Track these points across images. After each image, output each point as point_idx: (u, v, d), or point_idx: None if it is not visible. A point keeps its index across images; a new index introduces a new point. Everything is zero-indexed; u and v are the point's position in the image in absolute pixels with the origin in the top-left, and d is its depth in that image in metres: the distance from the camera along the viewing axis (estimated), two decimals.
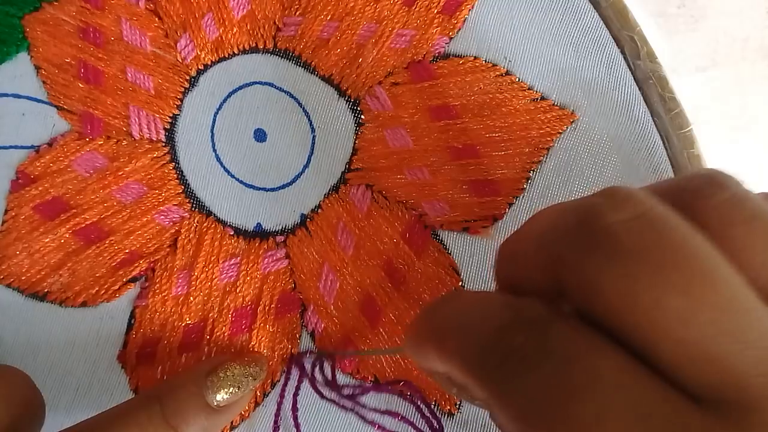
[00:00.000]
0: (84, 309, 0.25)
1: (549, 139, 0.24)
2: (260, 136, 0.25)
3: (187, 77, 0.26)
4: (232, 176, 0.25)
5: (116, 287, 0.25)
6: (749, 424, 0.11)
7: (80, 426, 0.20)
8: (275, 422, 0.24)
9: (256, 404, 0.25)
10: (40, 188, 0.25)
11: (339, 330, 0.24)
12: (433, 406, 0.24)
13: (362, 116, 0.25)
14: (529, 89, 0.24)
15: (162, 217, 0.25)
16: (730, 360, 0.12)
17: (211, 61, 0.26)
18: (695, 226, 0.13)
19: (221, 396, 0.22)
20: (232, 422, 0.24)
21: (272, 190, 0.25)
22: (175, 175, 0.25)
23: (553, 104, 0.24)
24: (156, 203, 0.25)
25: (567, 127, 0.24)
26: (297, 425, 0.24)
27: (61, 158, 0.25)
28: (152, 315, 0.25)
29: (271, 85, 0.25)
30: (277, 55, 0.25)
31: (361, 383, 0.24)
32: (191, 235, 0.25)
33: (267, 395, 0.25)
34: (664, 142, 0.24)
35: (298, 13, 0.25)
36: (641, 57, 0.24)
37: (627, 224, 0.13)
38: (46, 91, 0.25)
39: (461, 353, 0.14)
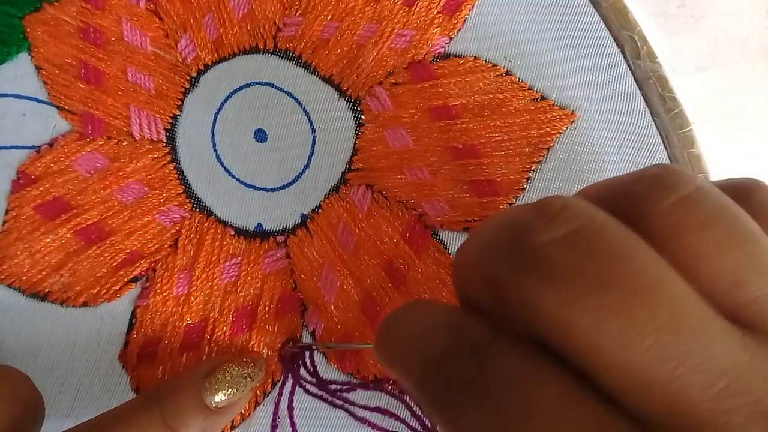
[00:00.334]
0: (85, 309, 0.25)
1: (549, 139, 0.24)
2: (261, 136, 0.25)
3: (188, 77, 0.26)
4: (233, 176, 0.25)
5: (117, 287, 0.25)
6: None
7: (80, 427, 0.20)
8: (273, 421, 0.24)
9: (257, 404, 0.25)
10: (40, 188, 0.25)
11: (339, 330, 0.25)
12: None
13: (362, 116, 0.25)
14: (529, 89, 0.24)
15: (163, 217, 0.25)
16: (675, 385, 0.11)
17: (212, 61, 0.26)
18: (641, 235, 0.12)
19: (219, 397, 0.22)
20: (232, 422, 0.24)
21: (273, 190, 0.25)
22: (175, 176, 0.25)
23: (553, 104, 0.24)
24: (157, 203, 0.25)
25: (567, 127, 0.24)
26: (293, 425, 0.24)
27: (61, 158, 0.25)
28: (153, 315, 0.25)
29: (271, 85, 0.25)
30: (277, 55, 0.26)
31: (350, 380, 0.24)
32: (192, 235, 0.25)
33: (267, 395, 0.25)
34: (664, 142, 0.24)
35: (298, 13, 0.25)
36: (641, 57, 0.24)
37: (559, 243, 0.12)
38: (46, 91, 0.25)
39: (407, 377, 0.14)
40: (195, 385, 0.22)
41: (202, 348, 0.25)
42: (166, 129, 0.26)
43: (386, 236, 0.25)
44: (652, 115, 0.24)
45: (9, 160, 0.25)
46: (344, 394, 0.24)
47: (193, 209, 0.25)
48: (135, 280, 0.25)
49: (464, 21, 0.25)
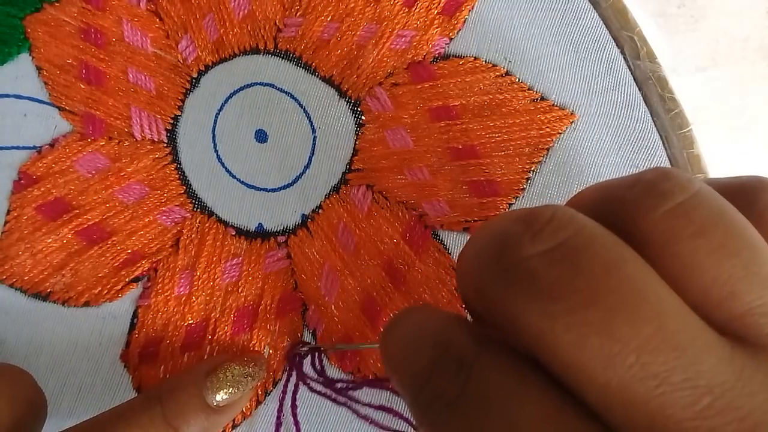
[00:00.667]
0: (87, 309, 0.25)
1: (549, 139, 0.24)
2: (261, 136, 0.25)
3: (189, 78, 0.26)
4: (234, 177, 0.25)
5: (119, 287, 0.25)
6: None
7: (82, 426, 0.20)
8: (278, 419, 0.24)
9: (258, 403, 0.25)
10: (42, 189, 0.25)
11: (340, 330, 0.25)
12: None
13: (363, 117, 0.25)
14: (529, 89, 0.25)
15: (164, 217, 0.25)
16: (656, 403, 0.11)
17: (212, 61, 0.26)
18: (634, 244, 0.12)
19: (221, 396, 0.22)
20: (234, 421, 0.25)
21: (273, 190, 0.25)
22: (176, 176, 0.25)
23: (553, 104, 0.24)
24: (158, 204, 0.25)
25: (567, 127, 0.24)
26: (296, 423, 0.24)
27: (63, 159, 0.25)
28: (155, 315, 0.25)
29: (272, 86, 0.25)
30: (277, 56, 0.26)
31: (355, 379, 0.24)
32: (193, 236, 0.25)
33: (269, 394, 0.25)
34: (664, 142, 0.24)
35: (298, 13, 0.26)
36: (641, 57, 0.24)
37: (544, 257, 0.12)
38: (47, 91, 0.26)
39: (400, 386, 0.14)
40: (196, 384, 0.22)
41: (204, 347, 0.25)
42: (166, 129, 0.26)
43: (386, 236, 0.25)
44: (651, 116, 0.24)
45: (10, 160, 0.25)
46: (349, 393, 0.24)
47: (194, 209, 0.25)
48: (136, 280, 0.25)
49: (464, 21, 0.25)
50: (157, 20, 0.26)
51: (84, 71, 0.25)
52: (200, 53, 0.26)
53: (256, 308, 0.25)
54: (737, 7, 0.30)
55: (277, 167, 0.25)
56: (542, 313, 0.11)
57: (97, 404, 0.25)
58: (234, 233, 0.25)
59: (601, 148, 0.24)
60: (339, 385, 0.24)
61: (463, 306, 0.24)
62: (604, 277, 0.11)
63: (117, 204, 0.25)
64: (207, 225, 0.25)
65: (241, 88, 0.26)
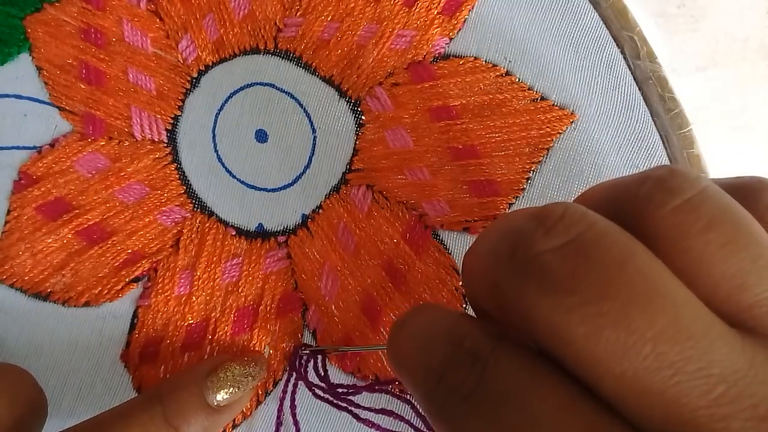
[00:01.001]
0: (87, 309, 0.25)
1: (549, 139, 0.24)
2: (261, 136, 0.25)
3: (189, 78, 0.26)
4: (234, 177, 0.25)
5: (119, 287, 0.25)
6: None
7: (82, 425, 0.20)
8: (278, 419, 0.24)
9: (258, 403, 0.25)
10: (42, 189, 0.25)
11: (340, 330, 0.25)
12: None
13: (363, 117, 0.25)
14: (529, 89, 0.25)
15: (164, 217, 0.25)
16: (672, 392, 0.11)
17: (213, 61, 0.26)
18: (644, 239, 0.12)
19: (221, 396, 0.22)
20: (234, 420, 0.25)
21: (273, 190, 0.25)
22: (176, 176, 0.25)
23: (553, 104, 0.24)
24: (158, 204, 0.25)
25: (567, 127, 0.24)
26: (296, 423, 0.24)
27: (63, 159, 0.25)
28: (155, 315, 0.25)
29: (272, 85, 0.25)
30: (278, 56, 0.26)
31: (356, 383, 0.24)
32: (193, 236, 0.25)
33: (269, 394, 0.25)
34: (664, 142, 0.24)
35: (298, 13, 0.26)
36: (641, 57, 0.24)
37: (558, 252, 0.12)
38: (47, 91, 0.26)
39: (412, 385, 0.14)
40: (197, 383, 0.22)
41: (204, 347, 0.25)
42: (167, 129, 0.26)
43: (386, 236, 0.25)
44: (651, 116, 0.24)
45: (10, 160, 0.25)
46: (350, 397, 0.24)
47: (195, 209, 0.25)
48: (137, 280, 0.25)
49: (464, 21, 0.25)
50: (158, 20, 0.26)
51: (84, 71, 0.25)
52: (200, 53, 0.26)
53: (256, 308, 0.25)
54: (737, 7, 0.30)
55: (278, 167, 0.25)
56: (557, 307, 0.11)
57: (97, 404, 0.25)
58: (234, 233, 0.25)
59: (601, 147, 0.24)
60: (340, 390, 0.24)
61: (465, 306, 0.24)
62: (618, 271, 0.11)
63: (117, 204, 0.25)
64: (207, 225, 0.25)
65: (242, 88, 0.26)
